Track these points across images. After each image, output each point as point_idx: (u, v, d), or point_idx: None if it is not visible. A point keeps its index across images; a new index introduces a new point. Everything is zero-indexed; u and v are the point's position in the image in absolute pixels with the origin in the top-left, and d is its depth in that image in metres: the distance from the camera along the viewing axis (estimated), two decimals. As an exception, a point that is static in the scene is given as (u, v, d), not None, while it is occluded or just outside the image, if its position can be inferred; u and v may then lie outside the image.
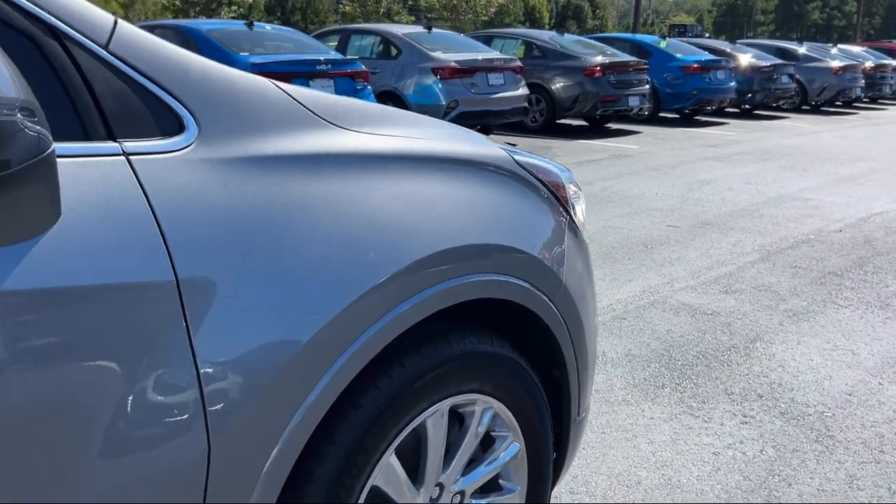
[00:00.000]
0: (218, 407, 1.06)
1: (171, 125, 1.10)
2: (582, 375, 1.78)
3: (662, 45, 13.96)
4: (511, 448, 1.63)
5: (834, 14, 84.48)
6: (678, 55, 13.62)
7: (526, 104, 10.51)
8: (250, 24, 8.61)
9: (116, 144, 1.03)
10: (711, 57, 13.96)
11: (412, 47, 9.82)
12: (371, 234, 1.27)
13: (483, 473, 1.59)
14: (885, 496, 2.30)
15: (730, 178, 7.91)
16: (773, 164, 8.99)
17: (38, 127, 0.84)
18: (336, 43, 10.64)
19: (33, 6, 0.99)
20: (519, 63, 10.47)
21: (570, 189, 1.80)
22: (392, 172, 1.36)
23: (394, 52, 10.02)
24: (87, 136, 1.01)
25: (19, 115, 0.81)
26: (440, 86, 9.34)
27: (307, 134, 1.27)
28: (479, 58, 9.88)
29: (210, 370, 1.05)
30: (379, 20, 26.91)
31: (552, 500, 1.95)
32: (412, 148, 1.44)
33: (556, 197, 1.73)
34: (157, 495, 1.04)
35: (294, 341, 1.15)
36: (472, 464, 1.58)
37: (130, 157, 1.03)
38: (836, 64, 17.11)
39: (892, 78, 19.46)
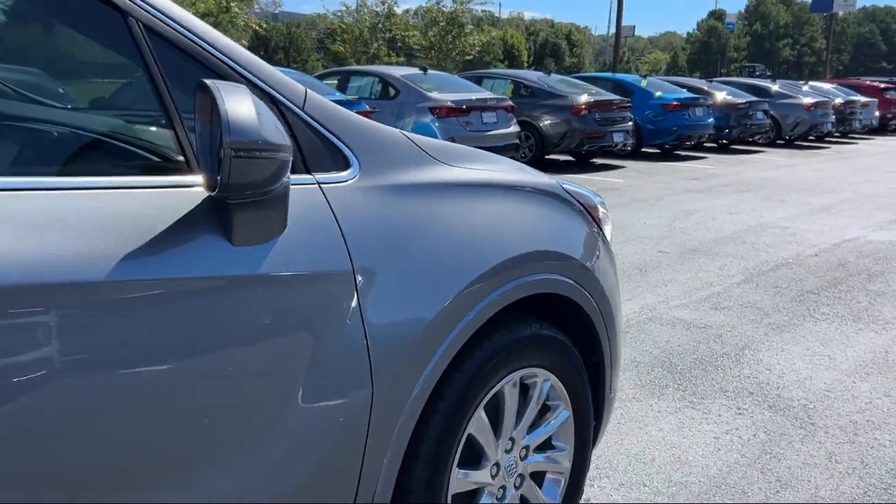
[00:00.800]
0: (379, 364, 1.50)
1: (341, 163, 1.54)
2: (613, 360, 2.22)
3: (643, 83, 14.63)
4: (562, 415, 2.06)
5: (804, 51, 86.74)
6: (658, 93, 14.29)
7: (517, 141, 11.07)
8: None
9: (312, 176, 1.47)
10: (690, 95, 14.66)
11: (410, 88, 10.36)
12: (470, 240, 1.72)
13: (542, 433, 2.02)
14: (858, 468, 2.74)
15: (712, 208, 8.44)
16: (751, 195, 9.55)
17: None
18: (336, 83, 11.16)
19: (261, 82, 1.44)
20: (510, 102, 11.04)
21: (601, 211, 2.26)
22: (482, 196, 1.81)
23: (392, 92, 10.56)
24: (293, 171, 1.45)
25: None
26: (437, 124, 9.86)
27: (425, 168, 1.72)
28: (473, 97, 10.44)
29: (374, 335, 1.49)
30: (369, 61, 27.60)
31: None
32: (494, 178, 1.90)
33: (591, 216, 2.19)
34: (340, 430, 1.46)
35: (423, 318, 1.58)
36: (533, 427, 2.01)
37: (322, 185, 1.47)
38: (807, 100, 17.90)
39: (860, 113, 20.31)
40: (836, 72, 72.49)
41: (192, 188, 1.28)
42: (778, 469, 2.72)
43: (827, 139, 19.56)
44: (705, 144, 15.96)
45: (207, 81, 1.19)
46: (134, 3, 1.28)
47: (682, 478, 2.66)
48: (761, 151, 16.31)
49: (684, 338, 4.10)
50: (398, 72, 11.03)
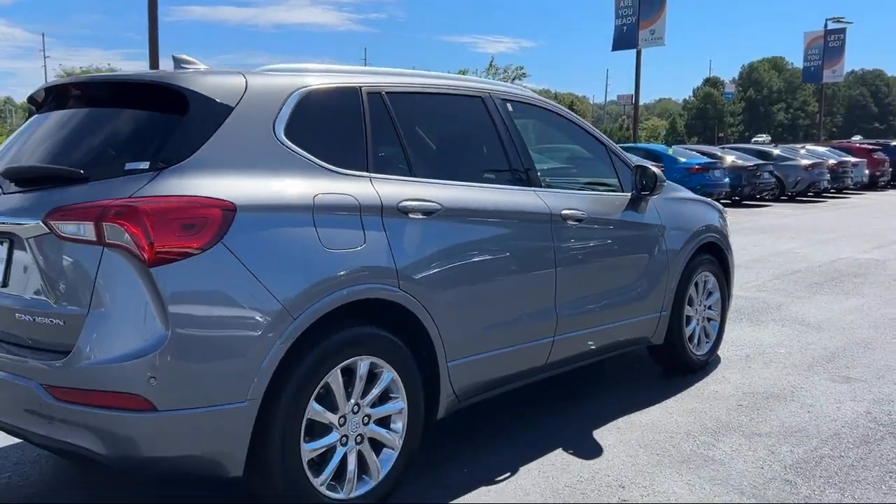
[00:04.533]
0: (670, 260, 4.46)
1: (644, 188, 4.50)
2: (732, 273, 5.16)
3: (670, 151, 17.78)
4: (716, 295, 5.00)
5: (798, 114, 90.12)
6: (682, 159, 17.41)
7: (579, 199, 14.10)
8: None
9: (636, 192, 4.41)
10: (708, 160, 17.79)
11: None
12: (687, 218, 4.72)
13: (711, 301, 4.99)
14: (844, 340, 5.62)
15: (740, 243, 11.36)
16: (767, 235, 12.52)
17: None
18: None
19: (630, 160, 4.41)
20: (574, 169, 14.13)
21: (726, 213, 5.24)
22: (689, 202, 4.85)
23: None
24: (622, 189, 4.39)
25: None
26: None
27: (672, 192, 4.72)
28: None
29: (667, 250, 4.45)
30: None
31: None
32: (689, 195, 4.93)
33: (721, 213, 5.16)
34: (662, 279, 4.43)
35: (678, 245, 4.56)
36: (707, 298, 4.94)
37: (649, 197, 4.43)
38: (805, 162, 21.05)
39: (852, 172, 23.44)
40: (831, 133, 75.33)
41: (624, 195, 4.25)
42: (804, 338, 5.62)
43: (824, 194, 22.64)
44: (722, 201, 19.00)
45: (640, 163, 4.19)
46: (609, 145, 4.30)
47: (759, 344, 5.54)
48: (769, 205, 19.36)
49: (746, 303, 7.00)
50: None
